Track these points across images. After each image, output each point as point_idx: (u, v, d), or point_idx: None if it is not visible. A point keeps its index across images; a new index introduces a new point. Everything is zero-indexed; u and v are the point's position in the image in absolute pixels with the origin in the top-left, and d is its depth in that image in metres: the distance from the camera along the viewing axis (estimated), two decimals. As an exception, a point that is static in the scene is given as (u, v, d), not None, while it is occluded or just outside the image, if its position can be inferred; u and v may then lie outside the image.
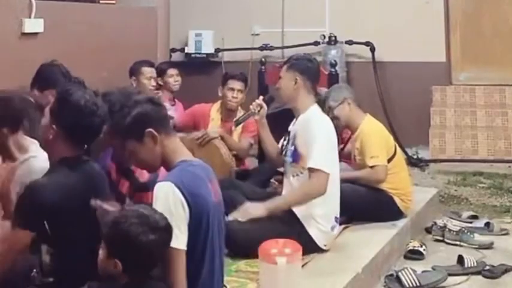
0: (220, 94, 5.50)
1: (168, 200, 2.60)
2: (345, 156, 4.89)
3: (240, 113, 5.30)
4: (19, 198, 2.77)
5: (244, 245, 3.78)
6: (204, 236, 2.70)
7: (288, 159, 4.14)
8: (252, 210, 3.91)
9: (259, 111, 4.36)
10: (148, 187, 3.23)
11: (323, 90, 5.55)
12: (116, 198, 3.14)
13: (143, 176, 3.30)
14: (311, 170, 3.89)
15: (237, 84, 5.43)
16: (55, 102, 2.84)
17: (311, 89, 4.18)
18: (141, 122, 2.74)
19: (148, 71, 5.77)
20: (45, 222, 2.69)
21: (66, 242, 2.72)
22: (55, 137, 2.81)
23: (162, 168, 2.89)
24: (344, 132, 5.07)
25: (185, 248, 2.60)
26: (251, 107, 4.40)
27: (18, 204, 2.74)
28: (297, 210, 3.98)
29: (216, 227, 2.78)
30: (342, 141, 5.10)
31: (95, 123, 2.82)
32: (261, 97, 4.47)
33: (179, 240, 2.59)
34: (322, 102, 4.89)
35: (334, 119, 4.56)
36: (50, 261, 2.76)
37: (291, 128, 4.24)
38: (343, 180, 4.36)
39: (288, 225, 3.89)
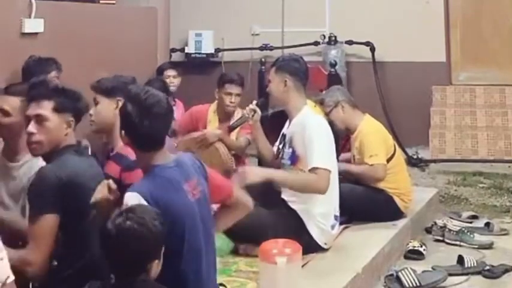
0: (216, 97, 5.43)
1: None
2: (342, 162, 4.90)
3: (238, 113, 5.28)
4: (32, 187, 2.81)
5: (245, 234, 3.80)
6: (180, 238, 2.67)
7: (286, 162, 4.13)
8: (249, 175, 3.79)
9: (252, 116, 4.34)
10: (135, 165, 3.24)
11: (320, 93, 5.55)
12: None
13: (132, 154, 3.30)
14: (314, 169, 3.87)
15: (234, 89, 5.38)
16: (60, 96, 2.95)
17: (302, 89, 4.15)
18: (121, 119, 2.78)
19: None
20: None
21: (75, 223, 2.76)
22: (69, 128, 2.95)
23: None
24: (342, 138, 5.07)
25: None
26: (244, 111, 4.39)
27: (35, 192, 2.78)
28: (297, 208, 3.98)
29: (196, 225, 2.74)
30: (342, 147, 5.10)
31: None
32: (254, 101, 4.46)
33: None
34: (319, 105, 4.90)
35: (333, 124, 4.56)
36: (55, 244, 2.78)
37: (285, 130, 4.23)
38: (342, 173, 4.35)
39: (288, 222, 3.90)
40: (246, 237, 3.88)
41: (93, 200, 2.68)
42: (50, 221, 2.73)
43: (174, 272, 2.66)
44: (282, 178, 4.00)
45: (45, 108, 2.90)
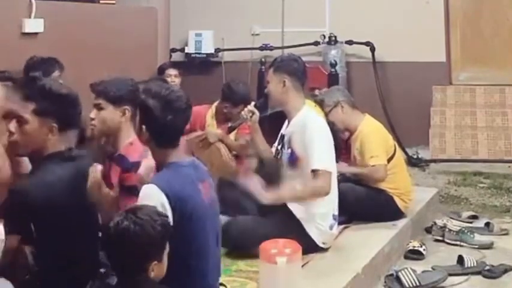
0: (224, 111, 5.33)
1: (150, 203, 2.60)
2: (344, 157, 4.90)
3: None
4: (4, 203, 2.73)
5: (243, 243, 3.82)
6: (192, 236, 2.71)
7: (285, 162, 4.12)
8: (261, 198, 3.82)
9: (251, 117, 4.34)
10: (135, 167, 3.24)
11: (318, 92, 5.55)
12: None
13: (132, 155, 3.30)
14: (315, 171, 3.87)
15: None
16: (43, 99, 2.78)
17: (300, 89, 4.14)
18: (142, 115, 2.79)
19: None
20: (31, 224, 2.67)
21: (52, 242, 2.71)
22: (52, 135, 2.80)
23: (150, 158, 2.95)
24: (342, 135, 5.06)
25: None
26: (243, 113, 4.38)
27: (5, 209, 2.69)
28: (295, 209, 3.98)
29: (207, 226, 2.78)
30: (343, 144, 5.09)
31: (80, 106, 2.88)
32: (253, 103, 4.45)
33: None
34: (318, 104, 4.90)
35: (332, 123, 4.56)
36: (34, 261, 2.74)
37: (284, 131, 4.22)
38: (343, 175, 4.35)
39: (286, 225, 3.89)
40: (245, 247, 3.86)
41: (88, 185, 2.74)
42: (11, 241, 2.62)
43: (183, 267, 2.68)
44: (290, 196, 3.97)
45: (27, 109, 2.77)
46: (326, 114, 4.73)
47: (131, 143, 3.34)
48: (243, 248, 3.85)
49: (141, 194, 2.67)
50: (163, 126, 2.74)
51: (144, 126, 2.77)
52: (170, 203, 2.63)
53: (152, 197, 2.62)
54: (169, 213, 2.61)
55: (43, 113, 2.77)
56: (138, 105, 2.80)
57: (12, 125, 2.81)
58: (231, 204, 4.27)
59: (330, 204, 4.03)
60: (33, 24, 5.13)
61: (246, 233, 3.86)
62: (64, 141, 2.86)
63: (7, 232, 2.58)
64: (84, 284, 2.71)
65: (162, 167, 2.80)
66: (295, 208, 3.98)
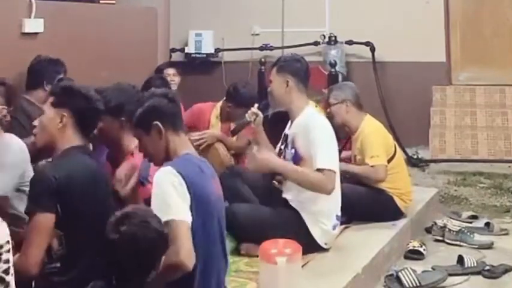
0: (228, 110, 5.33)
1: (170, 180, 2.68)
2: (344, 159, 4.90)
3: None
4: (31, 184, 2.82)
5: (246, 230, 3.86)
6: (201, 225, 2.73)
7: (288, 162, 4.13)
8: (259, 164, 3.89)
9: (254, 119, 4.34)
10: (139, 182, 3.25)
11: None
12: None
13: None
14: (319, 170, 3.86)
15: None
16: (61, 92, 2.98)
17: (303, 90, 4.14)
18: (150, 114, 2.87)
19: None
20: (58, 205, 2.73)
21: (77, 223, 2.75)
22: (64, 126, 2.91)
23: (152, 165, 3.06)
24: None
25: (189, 220, 2.65)
26: (246, 115, 4.38)
27: (32, 189, 2.79)
28: (299, 207, 3.98)
29: (215, 222, 2.82)
30: (343, 147, 5.09)
31: (100, 107, 3.01)
32: (256, 105, 4.45)
33: (181, 213, 2.65)
34: (320, 104, 4.89)
35: (331, 117, 4.56)
36: (59, 246, 2.78)
37: (287, 131, 4.22)
38: (343, 172, 4.36)
39: (290, 221, 3.91)
40: (248, 237, 3.89)
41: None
42: (42, 220, 2.69)
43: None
44: (289, 170, 3.97)
45: (47, 102, 2.98)
46: (329, 106, 4.72)
47: (132, 153, 3.33)
48: (245, 233, 3.87)
49: (156, 176, 2.72)
50: (172, 106, 2.91)
51: (157, 123, 2.85)
52: (188, 188, 2.69)
53: (169, 176, 2.69)
54: (186, 193, 2.68)
55: (57, 103, 2.94)
56: (149, 113, 2.89)
57: (37, 120, 2.98)
58: (231, 193, 4.27)
59: (334, 203, 4.04)
60: (33, 24, 5.12)
61: (250, 226, 3.88)
62: (80, 138, 2.95)
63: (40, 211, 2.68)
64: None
65: (174, 157, 2.86)
66: (298, 206, 3.98)
